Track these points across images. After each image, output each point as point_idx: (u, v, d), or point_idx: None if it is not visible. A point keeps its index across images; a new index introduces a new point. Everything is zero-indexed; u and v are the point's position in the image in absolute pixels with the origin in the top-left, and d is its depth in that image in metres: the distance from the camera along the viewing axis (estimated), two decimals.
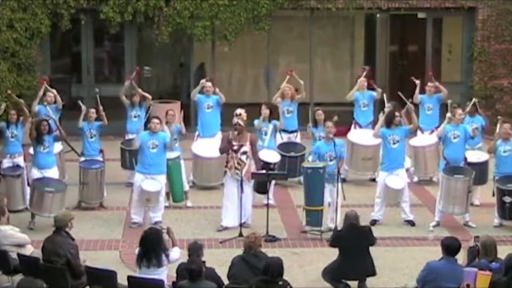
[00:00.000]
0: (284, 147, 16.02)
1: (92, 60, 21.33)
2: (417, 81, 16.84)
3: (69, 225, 10.67)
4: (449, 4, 20.91)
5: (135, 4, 19.97)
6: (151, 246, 9.94)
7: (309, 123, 15.34)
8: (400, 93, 15.69)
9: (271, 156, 15.10)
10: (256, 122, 15.46)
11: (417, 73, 17.41)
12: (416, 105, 16.54)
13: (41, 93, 16.12)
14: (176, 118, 15.26)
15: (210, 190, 15.57)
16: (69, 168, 15.65)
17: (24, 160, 14.88)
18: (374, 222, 13.94)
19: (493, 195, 13.99)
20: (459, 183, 13.80)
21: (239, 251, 10.75)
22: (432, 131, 16.46)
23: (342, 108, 17.39)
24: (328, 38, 22.40)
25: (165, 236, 10.33)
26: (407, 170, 14.85)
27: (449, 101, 15.22)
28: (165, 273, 10.11)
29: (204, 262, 9.80)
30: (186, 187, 15.14)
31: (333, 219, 13.42)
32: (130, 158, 15.50)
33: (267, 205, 13.65)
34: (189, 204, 15.07)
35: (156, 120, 13.98)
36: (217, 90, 16.48)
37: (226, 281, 10.14)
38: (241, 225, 13.40)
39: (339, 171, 13.44)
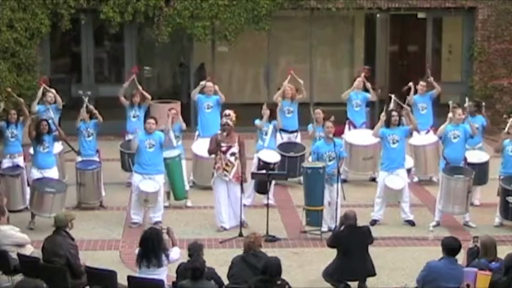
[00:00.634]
0: (284, 147, 16.02)
1: (92, 60, 21.33)
2: (410, 84, 16.83)
3: (70, 225, 10.68)
4: (449, 4, 20.90)
5: (135, 4, 19.96)
6: (151, 246, 9.94)
7: (314, 123, 15.28)
8: (393, 96, 15.62)
9: (271, 156, 15.10)
10: (257, 122, 15.46)
11: (417, 73, 17.39)
12: (409, 106, 16.52)
13: (39, 93, 16.11)
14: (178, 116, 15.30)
15: (210, 190, 15.50)
16: (69, 169, 15.64)
17: (24, 160, 14.88)
18: (374, 222, 13.94)
19: (498, 194, 13.98)
20: (459, 183, 13.80)
21: (239, 251, 10.76)
22: (428, 131, 16.48)
23: (342, 108, 17.36)
24: (328, 38, 22.39)
25: (165, 236, 10.33)
26: (409, 171, 14.84)
27: (450, 102, 15.23)
28: (165, 273, 10.11)
29: (204, 262, 9.80)
30: (187, 186, 15.14)
31: (332, 219, 13.42)
32: (129, 161, 15.50)
33: (267, 205, 13.65)
34: (189, 204, 15.08)
35: (151, 121, 14.00)
36: (216, 88, 16.50)
37: (226, 281, 10.14)
38: (241, 226, 13.41)
39: (339, 172, 13.44)
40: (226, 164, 13.63)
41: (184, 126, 15.23)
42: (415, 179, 16.41)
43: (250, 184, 14.64)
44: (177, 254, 10.23)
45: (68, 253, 10.40)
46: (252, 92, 22.57)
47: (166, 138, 14.18)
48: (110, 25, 20.09)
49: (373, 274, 11.33)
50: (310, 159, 14.67)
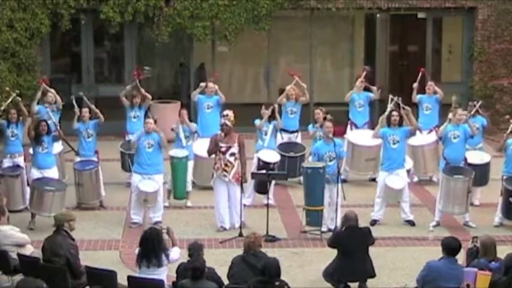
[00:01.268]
0: (284, 147, 16.02)
1: (92, 60, 21.33)
2: (415, 85, 16.83)
3: (68, 225, 10.66)
4: (449, 4, 20.89)
5: (135, 4, 19.96)
6: (151, 246, 9.94)
7: (316, 123, 15.29)
8: (391, 96, 15.60)
9: (271, 156, 15.10)
10: (257, 121, 15.46)
11: (417, 73, 17.38)
12: (415, 105, 16.54)
13: (39, 93, 16.11)
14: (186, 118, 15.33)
15: (210, 190, 15.50)
16: (69, 169, 15.64)
17: (25, 160, 14.88)
18: (374, 222, 13.94)
19: (501, 194, 13.97)
20: (459, 183, 13.80)
21: (239, 251, 10.76)
22: (431, 131, 16.48)
23: (342, 108, 17.37)
24: (328, 38, 22.39)
25: (165, 236, 10.33)
26: (408, 171, 14.84)
27: (453, 98, 15.20)
28: (165, 273, 10.11)
29: (204, 262, 9.80)
30: (189, 188, 15.14)
31: (333, 220, 13.41)
32: (129, 161, 15.52)
33: (267, 205, 13.65)
34: (189, 204, 15.08)
35: (150, 120, 14.00)
36: (216, 88, 16.51)
37: (226, 281, 10.14)
38: (241, 226, 13.42)
39: (339, 172, 13.43)
40: (226, 165, 13.63)
41: (193, 128, 15.22)
42: (415, 179, 16.40)
43: (250, 184, 14.65)
44: (177, 254, 10.23)
45: (68, 253, 10.40)
46: (252, 92, 22.58)
47: (165, 139, 14.15)
48: (110, 25, 20.08)
49: (373, 275, 11.33)
50: (310, 159, 14.67)
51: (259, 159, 14.87)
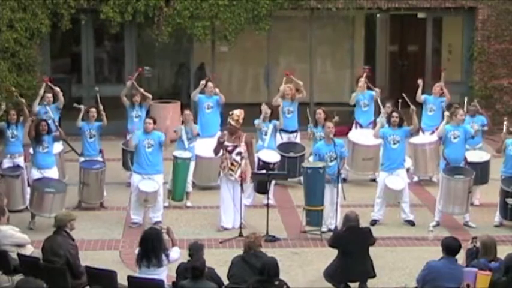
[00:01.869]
0: (284, 147, 16.02)
1: (92, 60, 21.33)
2: (420, 81, 16.86)
3: (69, 225, 10.67)
4: (449, 4, 20.90)
5: (135, 4, 19.96)
6: (151, 246, 9.94)
7: (309, 123, 15.33)
8: (404, 95, 15.66)
9: (271, 156, 15.11)
10: (256, 121, 15.47)
11: (417, 73, 17.41)
12: (419, 104, 16.55)
13: (41, 92, 16.12)
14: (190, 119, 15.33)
15: (210, 190, 15.56)
16: (69, 169, 15.65)
17: (25, 160, 14.88)
18: (374, 222, 13.94)
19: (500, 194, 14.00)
20: (459, 184, 13.80)
21: (239, 251, 10.76)
22: (433, 132, 16.47)
23: (342, 108, 17.38)
24: (328, 38, 22.39)
25: (165, 236, 10.33)
26: (407, 171, 14.85)
27: (455, 105, 15.23)
28: (165, 273, 10.11)
29: (204, 262, 9.79)
30: (189, 188, 15.14)
31: (333, 220, 13.41)
32: (131, 159, 15.52)
33: (267, 205, 13.65)
34: (189, 204, 15.08)
35: (149, 120, 14.01)
36: (217, 90, 16.51)
37: (226, 281, 10.14)
38: (241, 226, 13.42)
39: (339, 172, 13.43)
40: (232, 164, 13.64)
41: (195, 130, 15.21)
42: (415, 179, 16.41)
43: (250, 184, 14.66)
44: (177, 254, 10.23)
45: (68, 253, 10.40)
46: (252, 92, 22.57)
47: (168, 139, 14.16)
48: (110, 25, 20.08)
49: (373, 276, 11.33)
50: (310, 159, 14.67)
51: (259, 159, 14.87)
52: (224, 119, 16.29)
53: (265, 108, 15.41)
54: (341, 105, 17.43)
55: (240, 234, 13.11)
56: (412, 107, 15.21)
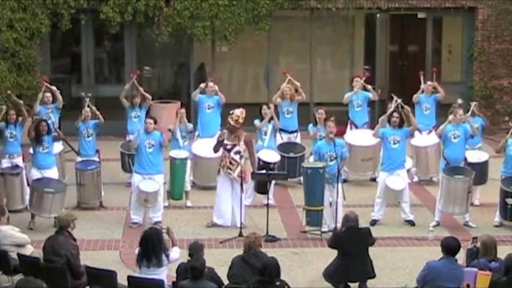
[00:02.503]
0: (284, 147, 16.02)
1: (92, 60, 21.33)
2: (422, 86, 16.84)
3: (72, 225, 10.69)
4: (449, 4, 20.89)
5: (135, 4, 19.96)
6: (151, 246, 9.94)
7: (317, 124, 15.30)
8: (393, 95, 15.65)
9: (271, 156, 15.11)
10: (256, 122, 15.46)
11: (417, 73, 17.39)
12: (412, 105, 16.54)
13: (41, 94, 16.12)
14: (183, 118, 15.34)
15: (210, 190, 15.54)
16: (69, 169, 15.64)
17: (24, 160, 14.87)
18: (374, 222, 13.94)
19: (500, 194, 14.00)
20: (459, 184, 13.80)
21: (239, 251, 10.76)
22: (430, 131, 16.48)
23: (342, 108, 17.36)
24: (328, 38, 22.39)
25: (165, 236, 10.33)
26: (408, 171, 14.84)
27: (459, 101, 15.20)
28: (165, 273, 10.11)
29: (204, 262, 9.79)
30: (188, 187, 15.15)
31: (333, 219, 13.40)
32: (129, 161, 15.53)
33: (267, 205, 13.65)
34: (189, 204, 15.09)
35: (150, 121, 14.01)
36: (216, 89, 16.51)
37: (226, 281, 10.14)
38: (241, 226, 13.42)
39: (339, 172, 13.43)
40: (231, 163, 13.70)
41: (190, 127, 15.25)
42: (415, 179, 16.40)
43: (250, 184, 14.66)
44: (177, 254, 10.23)
45: (69, 253, 10.40)
46: (252, 92, 22.56)
47: (166, 139, 14.18)
48: (110, 25, 20.08)
49: (373, 276, 11.33)
50: (310, 159, 14.66)
51: (259, 159, 14.87)
52: (224, 119, 16.32)
53: (265, 109, 15.41)
54: (341, 105, 17.39)
55: (240, 234, 13.11)
56: (406, 107, 15.18)
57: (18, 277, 10.27)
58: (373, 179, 16.19)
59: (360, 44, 23.00)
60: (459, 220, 14.18)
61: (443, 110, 16.44)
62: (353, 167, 16.27)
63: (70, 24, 20.11)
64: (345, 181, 15.18)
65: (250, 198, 14.81)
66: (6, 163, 14.66)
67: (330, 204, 13.50)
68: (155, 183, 13.86)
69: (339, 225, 12.64)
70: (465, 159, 14.37)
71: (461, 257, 10.37)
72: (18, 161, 14.72)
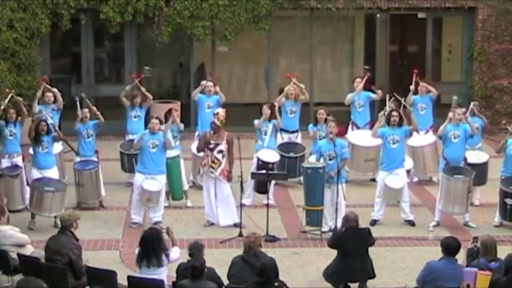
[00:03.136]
0: (284, 147, 16.01)
1: (92, 60, 21.32)
2: (412, 87, 16.86)
3: (75, 225, 10.70)
4: (449, 4, 20.89)
5: (135, 4, 19.96)
6: (151, 246, 9.94)
7: (318, 124, 15.28)
8: (395, 94, 15.69)
9: (271, 156, 15.10)
10: (256, 121, 15.46)
11: (417, 73, 17.38)
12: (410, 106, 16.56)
13: (39, 93, 16.11)
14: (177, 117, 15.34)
15: None
16: (69, 169, 15.63)
17: (23, 160, 14.87)
18: (374, 222, 13.95)
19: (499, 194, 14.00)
20: (459, 183, 13.80)
21: (239, 251, 10.76)
22: (427, 131, 16.48)
23: (342, 108, 17.37)
24: (328, 38, 22.38)
25: (165, 236, 10.33)
26: (408, 171, 14.84)
27: (454, 97, 15.19)
28: (165, 273, 10.11)
29: (204, 262, 9.79)
30: (186, 186, 15.16)
31: (333, 219, 13.40)
32: (129, 162, 15.53)
33: (267, 205, 13.66)
34: (189, 204, 15.09)
35: (155, 121, 14.01)
36: (217, 89, 16.51)
37: (226, 281, 10.14)
38: (241, 226, 13.42)
39: (339, 172, 13.42)
40: (213, 161, 13.79)
41: (181, 127, 15.26)
42: (415, 179, 16.40)
43: (250, 184, 14.68)
44: (177, 254, 10.23)
45: (71, 253, 10.41)
46: (252, 92, 22.56)
47: (168, 139, 14.18)
48: (110, 25, 20.08)
49: (373, 276, 11.33)
50: (310, 159, 14.65)
51: (258, 159, 14.87)
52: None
53: (264, 109, 15.41)
54: (341, 105, 17.39)
55: (240, 234, 13.11)
56: (408, 107, 15.19)
57: (18, 277, 10.27)
58: (373, 180, 16.19)
59: (360, 44, 23.01)
60: (459, 220, 14.18)
61: (442, 110, 16.46)
62: (355, 167, 16.27)
63: (70, 24, 20.11)
64: (346, 181, 15.13)
65: (250, 198, 14.83)
66: (6, 163, 14.66)
67: (331, 204, 13.48)
68: (158, 182, 13.87)
69: (339, 225, 12.64)
70: (465, 159, 14.36)
71: (461, 257, 10.38)
72: (18, 160, 14.71)
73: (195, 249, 10.02)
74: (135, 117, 16.36)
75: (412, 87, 16.89)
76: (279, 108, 15.97)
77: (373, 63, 21.50)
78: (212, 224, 13.95)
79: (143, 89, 16.78)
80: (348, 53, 23.26)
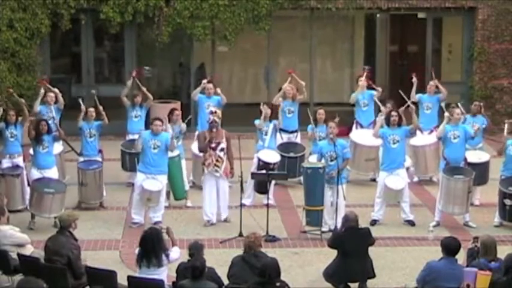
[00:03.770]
0: (284, 147, 16.01)
1: (92, 60, 21.33)
2: (414, 80, 16.86)
3: (73, 225, 10.70)
4: (449, 4, 20.90)
5: (135, 4, 19.97)
6: (151, 246, 9.95)
7: (311, 123, 15.31)
8: (401, 91, 15.71)
9: (271, 156, 15.10)
10: (256, 121, 15.46)
11: (417, 73, 17.40)
12: (414, 104, 16.55)
13: (41, 93, 16.12)
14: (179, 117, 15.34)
15: None
16: (69, 169, 15.64)
17: (24, 160, 14.88)
18: (374, 222, 13.95)
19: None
20: (459, 184, 13.80)
21: (239, 251, 10.76)
22: (431, 131, 16.47)
23: (342, 108, 17.38)
24: (328, 38, 22.39)
25: (165, 236, 10.33)
26: (407, 170, 14.84)
27: (459, 103, 15.22)
28: (165, 273, 10.11)
29: (204, 261, 9.79)
30: (187, 186, 15.16)
31: (333, 219, 13.41)
32: (130, 161, 15.52)
33: (267, 205, 13.66)
34: (189, 204, 15.09)
35: (158, 122, 14.00)
36: (218, 91, 16.49)
37: (226, 281, 10.14)
38: (241, 225, 13.42)
39: (339, 172, 13.42)
40: (217, 160, 13.85)
41: (184, 128, 15.26)
42: (415, 179, 16.41)
43: (250, 184, 14.68)
44: (177, 254, 10.24)
45: (70, 253, 10.41)
46: (252, 92, 22.57)
47: (172, 142, 14.16)
48: (110, 25, 20.09)
49: (373, 276, 11.33)
50: (310, 159, 14.65)
51: (259, 159, 14.87)
52: (224, 119, 16.30)
53: (265, 109, 15.41)
54: (341, 105, 17.41)
55: (240, 234, 13.11)
56: (411, 105, 15.19)
57: (18, 277, 10.27)
58: (373, 180, 16.19)
59: (360, 44, 23.02)
60: (459, 220, 14.18)
61: (441, 110, 16.45)
62: (356, 166, 16.27)
63: (70, 24, 20.12)
64: (347, 182, 15.13)
65: (250, 198, 14.83)
66: (6, 163, 14.66)
67: (331, 204, 13.50)
68: (158, 182, 13.87)
69: (339, 225, 12.64)
70: (465, 159, 14.37)
71: (461, 257, 10.38)
72: (19, 160, 14.72)
73: (195, 249, 10.02)
74: (135, 117, 16.36)
75: (414, 79, 16.85)
76: (277, 107, 15.97)
77: (373, 63, 21.50)
78: (212, 224, 13.96)
79: (144, 88, 16.78)
80: (348, 53, 23.28)
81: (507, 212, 13.74)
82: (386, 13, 21.41)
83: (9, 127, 14.64)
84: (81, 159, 15.21)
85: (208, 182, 13.99)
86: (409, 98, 15.86)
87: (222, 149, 13.85)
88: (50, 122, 14.65)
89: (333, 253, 11.33)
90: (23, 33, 19.71)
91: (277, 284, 9.35)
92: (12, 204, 14.08)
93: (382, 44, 22.01)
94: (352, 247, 11.13)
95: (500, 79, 21.11)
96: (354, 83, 17.36)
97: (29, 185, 14.42)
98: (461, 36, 21.67)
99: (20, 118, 14.70)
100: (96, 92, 16.39)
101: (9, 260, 10.66)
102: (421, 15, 21.86)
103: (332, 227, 13.27)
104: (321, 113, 15.32)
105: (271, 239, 13.20)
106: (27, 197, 14.29)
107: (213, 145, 13.83)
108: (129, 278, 9.93)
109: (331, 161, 13.54)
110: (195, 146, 15.95)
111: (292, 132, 16.46)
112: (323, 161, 13.65)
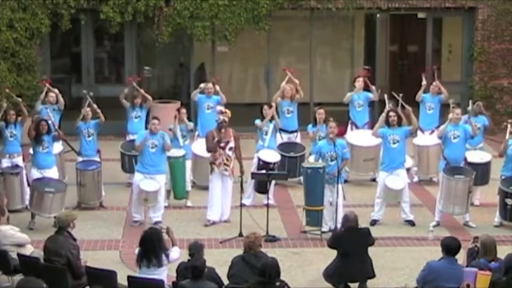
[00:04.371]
0: (284, 147, 16.01)
1: (92, 60, 21.33)
2: (424, 83, 16.85)
3: (72, 225, 10.70)
4: (449, 4, 20.90)
5: (135, 4, 19.96)
6: (151, 246, 9.95)
7: (317, 124, 15.30)
8: (394, 93, 15.69)
9: (272, 156, 15.10)
10: (257, 122, 15.45)
11: (417, 73, 17.40)
12: (417, 104, 16.55)
13: (43, 93, 16.14)
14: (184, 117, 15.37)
15: None
16: (69, 169, 15.64)
17: (24, 160, 14.88)
18: (374, 222, 13.94)
19: (498, 193, 13.98)
20: (459, 184, 13.79)
21: (239, 251, 10.76)
22: (432, 131, 16.45)
23: (342, 108, 17.36)
24: (328, 38, 22.39)
25: (165, 236, 10.33)
26: (408, 170, 14.84)
27: (450, 101, 15.21)
28: (165, 273, 10.11)
29: (204, 261, 9.79)
30: (189, 187, 15.16)
31: (333, 219, 13.40)
32: (129, 162, 15.53)
33: (267, 205, 13.66)
34: (189, 204, 15.09)
35: (155, 121, 14.02)
36: (218, 89, 16.51)
37: (226, 281, 10.14)
38: (241, 225, 13.42)
39: (339, 172, 13.42)
40: (227, 159, 13.87)
41: (190, 126, 15.27)
42: (415, 179, 16.40)
43: (250, 184, 14.68)
44: (177, 254, 10.24)
45: (69, 253, 10.41)
46: (252, 92, 22.57)
47: (167, 142, 14.16)
48: (110, 25, 20.09)
49: (372, 276, 11.33)
50: (310, 159, 14.65)
51: (259, 159, 14.87)
52: None
53: (266, 110, 15.41)
54: (341, 105, 17.39)
55: (240, 234, 13.11)
56: (407, 107, 15.16)
57: (18, 277, 10.27)
58: (373, 180, 16.19)
59: (360, 44, 23.02)
60: (459, 220, 14.18)
61: (443, 111, 16.44)
62: (355, 167, 16.27)
63: (70, 24, 20.12)
64: (345, 181, 15.15)
65: (250, 198, 14.83)
66: (6, 163, 14.67)
67: (330, 203, 13.51)
68: (156, 182, 13.87)
69: (338, 225, 12.64)
70: (465, 159, 14.36)
71: (461, 257, 10.38)
72: (18, 160, 14.72)
73: (195, 249, 10.02)
74: (135, 117, 16.37)
75: (423, 82, 16.86)
76: (276, 107, 15.98)
77: (373, 63, 21.50)
78: (213, 223, 13.95)
79: (142, 90, 16.78)
80: (347, 53, 23.27)
81: (508, 211, 13.73)
82: (386, 13, 21.41)
83: (9, 127, 14.65)
84: (80, 159, 15.21)
85: (216, 181, 13.98)
86: (414, 99, 15.85)
87: (230, 148, 13.88)
88: (49, 122, 14.63)
89: (333, 253, 11.34)
90: (23, 33, 19.71)
91: (277, 284, 9.36)
92: (11, 204, 14.07)
93: (382, 44, 22.01)
94: (352, 247, 11.13)
95: (500, 79, 21.10)
96: (352, 84, 17.32)
97: (28, 185, 14.41)
98: (461, 36, 21.66)
99: (19, 118, 14.71)
100: (87, 91, 16.32)
101: (9, 260, 10.67)
102: (421, 15, 21.86)
103: (332, 227, 13.27)
104: (321, 112, 15.31)
105: (271, 239, 13.21)
106: (27, 197, 14.29)
107: (223, 144, 13.85)
108: (129, 278, 9.93)
109: (331, 161, 13.55)
110: (195, 146, 15.97)
111: (292, 132, 16.46)
112: (320, 160, 13.64)
